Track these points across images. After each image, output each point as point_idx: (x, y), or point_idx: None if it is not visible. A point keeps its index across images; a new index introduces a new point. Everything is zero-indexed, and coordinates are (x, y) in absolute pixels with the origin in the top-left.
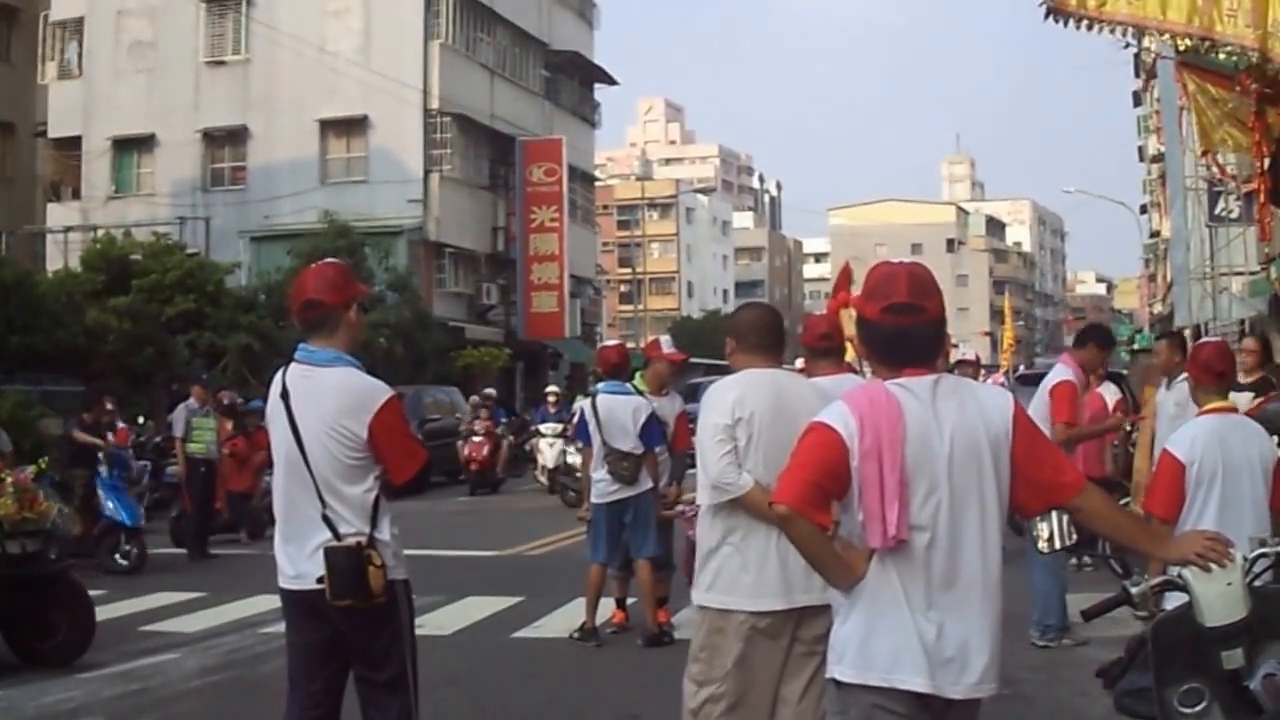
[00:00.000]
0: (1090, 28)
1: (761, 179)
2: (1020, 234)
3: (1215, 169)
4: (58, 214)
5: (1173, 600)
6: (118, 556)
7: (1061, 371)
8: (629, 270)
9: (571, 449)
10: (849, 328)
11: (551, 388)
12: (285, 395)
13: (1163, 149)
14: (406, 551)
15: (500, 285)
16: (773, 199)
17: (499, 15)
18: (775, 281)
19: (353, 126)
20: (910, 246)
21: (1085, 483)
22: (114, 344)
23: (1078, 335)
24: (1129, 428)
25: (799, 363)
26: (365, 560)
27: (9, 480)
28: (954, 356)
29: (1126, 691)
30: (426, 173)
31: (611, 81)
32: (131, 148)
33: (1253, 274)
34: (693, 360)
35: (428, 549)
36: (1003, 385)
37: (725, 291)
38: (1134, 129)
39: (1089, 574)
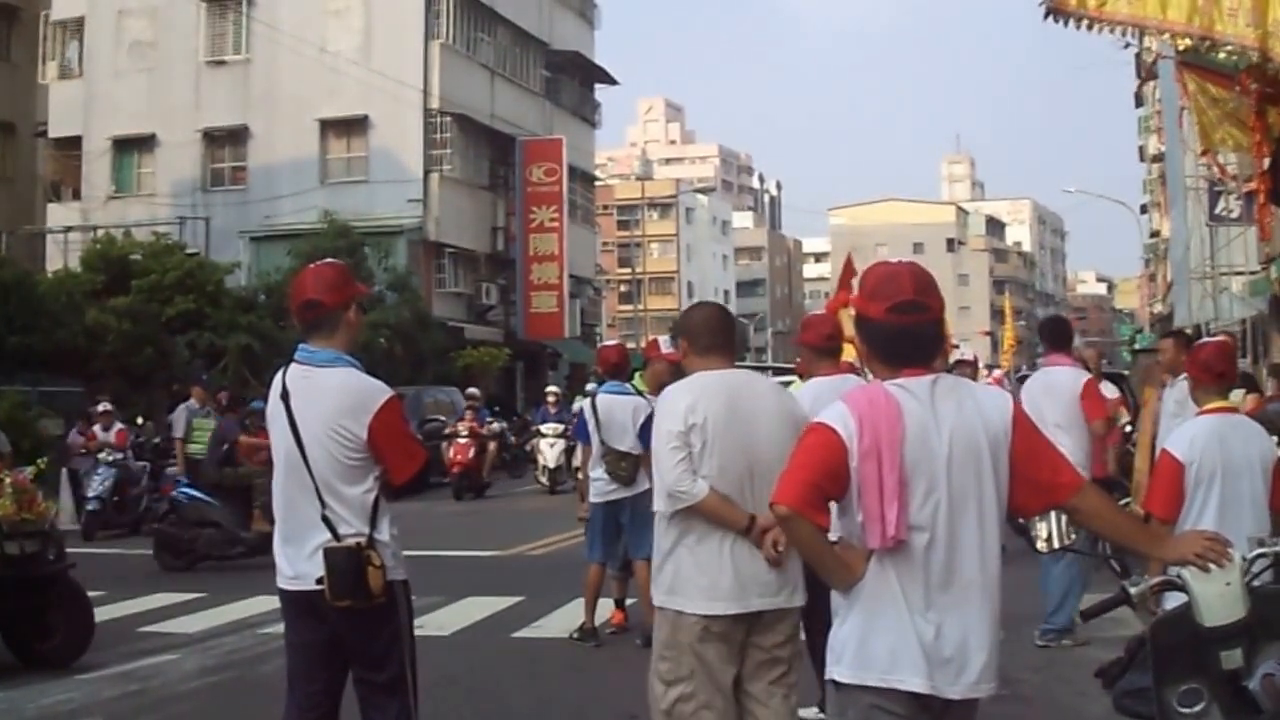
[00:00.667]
0: (1090, 27)
1: (761, 179)
2: (1020, 234)
3: (1215, 169)
4: (58, 214)
5: (1172, 600)
6: None
7: (1077, 371)
8: (629, 270)
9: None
10: (848, 328)
11: (552, 388)
12: (285, 396)
13: (1163, 149)
14: (406, 552)
15: (500, 285)
16: (773, 199)
17: (499, 15)
18: (775, 281)
19: (353, 126)
20: (911, 246)
21: (1083, 482)
22: (113, 344)
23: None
24: (1129, 427)
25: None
26: (365, 561)
27: (8, 481)
28: (953, 357)
29: (1126, 692)
30: (426, 173)
31: (612, 81)
32: (132, 148)
33: (1253, 274)
34: None
35: (427, 549)
36: (1002, 385)
37: (726, 292)
38: (1134, 129)
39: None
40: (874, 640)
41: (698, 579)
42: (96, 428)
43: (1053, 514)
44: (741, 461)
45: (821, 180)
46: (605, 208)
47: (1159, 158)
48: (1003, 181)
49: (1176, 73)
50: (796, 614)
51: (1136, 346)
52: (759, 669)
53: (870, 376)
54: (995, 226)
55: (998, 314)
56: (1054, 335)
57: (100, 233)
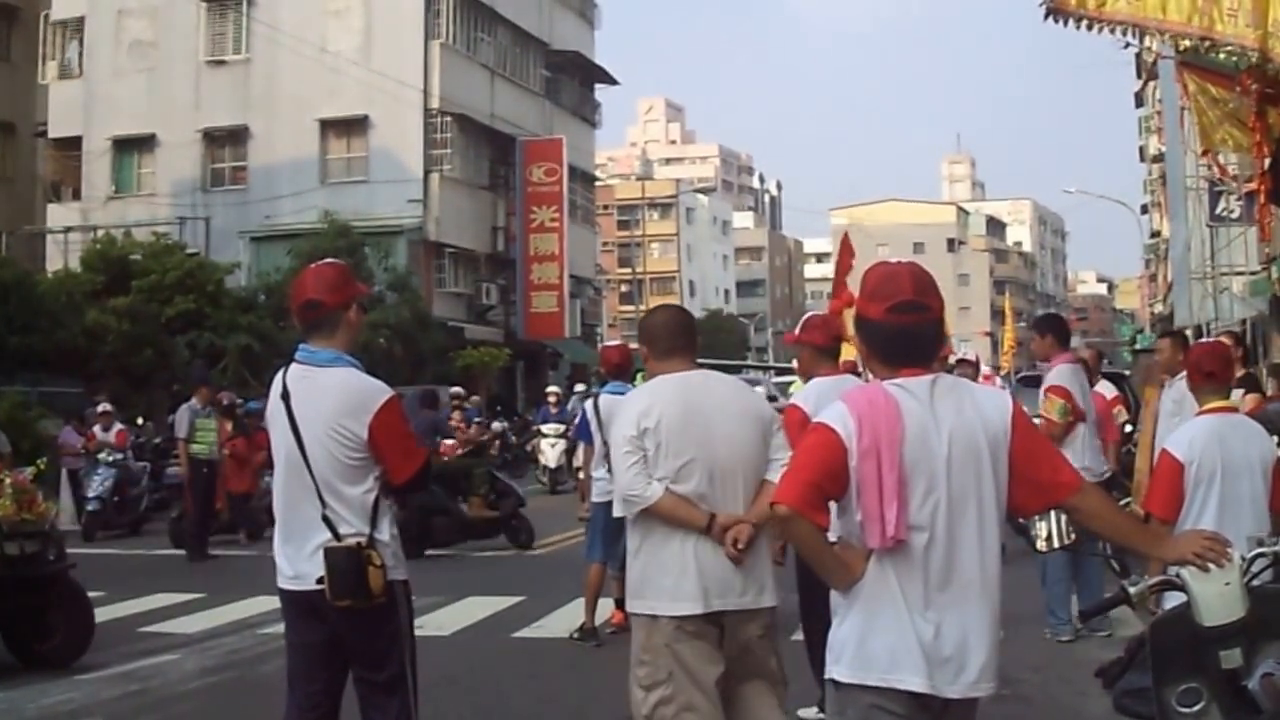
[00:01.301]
0: (1090, 27)
1: (762, 179)
2: (1021, 234)
3: (1216, 169)
4: (58, 214)
5: (1172, 600)
6: None
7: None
8: (629, 270)
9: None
10: (849, 328)
11: (552, 388)
12: (286, 395)
13: (1163, 149)
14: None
15: (500, 285)
16: (773, 199)
17: (499, 15)
18: (776, 281)
19: (353, 126)
20: (911, 246)
21: (1083, 482)
22: (113, 344)
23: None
24: (1129, 427)
25: (794, 362)
26: (365, 560)
27: (8, 481)
28: (954, 356)
29: (1126, 691)
30: (426, 173)
31: (612, 81)
32: (132, 148)
33: (1253, 274)
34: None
35: (428, 549)
36: (991, 384)
37: (726, 291)
38: (1135, 129)
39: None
40: (873, 640)
41: (662, 580)
42: (96, 428)
43: (1052, 513)
44: (701, 462)
45: (822, 180)
46: (605, 208)
47: (1159, 158)
48: (1003, 182)
49: (1177, 73)
50: (766, 614)
51: (1137, 347)
52: (734, 671)
53: (870, 376)
54: (996, 227)
55: (998, 314)
56: (1061, 331)
57: (100, 233)
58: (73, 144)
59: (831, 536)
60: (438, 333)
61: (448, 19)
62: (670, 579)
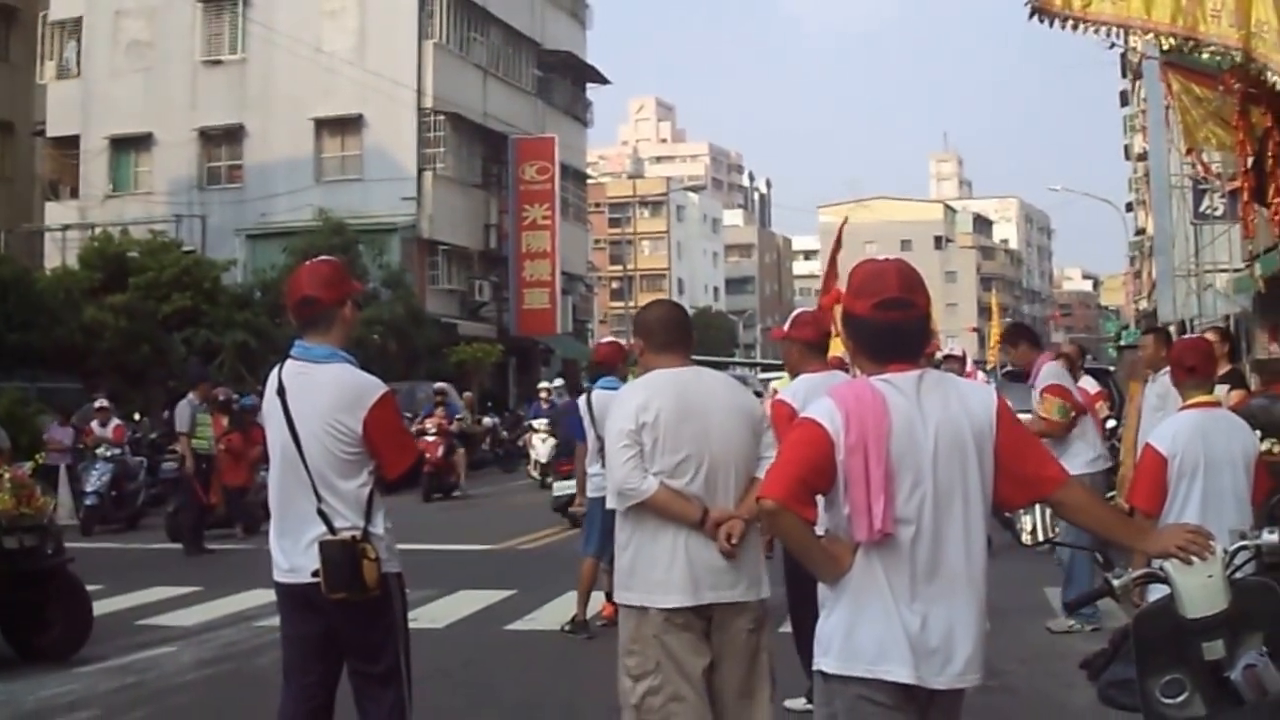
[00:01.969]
0: (1075, 28)
1: (751, 177)
2: (1007, 231)
3: (1200, 167)
4: (56, 212)
5: (1156, 593)
6: None
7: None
8: (620, 267)
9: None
10: (839, 324)
11: (544, 384)
12: (281, 391)
13: (1148, 147)
14: (400, 546)
15: (493, 282)
16: (762, 197)
17: (492, 15)
18: (765, 278)
19: (347, 125)
20: (899, 244)
21: (1067, 476)
22: (111, 341)
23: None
24: (1113, 422)
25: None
26: (360, 554)
27: (7, 476)
28: (941, 352)
29: (1110, 683)
30: (420, 171)
31: (603, 81)
32: (129, 147)
33: (1237, 271)
34: None
35: (421, 543)
36: (985, 381)
37: (716, 289)
38: (1120, 128)
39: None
40: (861, 632)
41: (652, 573)
42: (94, 423)
43: (1037, 507)
44: (695, 456)
45: (811, 179)
46: (597, 205)
47: (1144, 156)
48: (990, 180)
49: (1161, 73)
50: (756, 607)
51: (1122, 343)
52: (723, 664)
53: (857, 372)
54: (982, 224)
55: (985, 311)
56: (1030, 337)
57: (98, 231)
58: (70, 143)
59: (819, 530)
60: (431, 329)
61: (441, 19)
62: (660, 572)
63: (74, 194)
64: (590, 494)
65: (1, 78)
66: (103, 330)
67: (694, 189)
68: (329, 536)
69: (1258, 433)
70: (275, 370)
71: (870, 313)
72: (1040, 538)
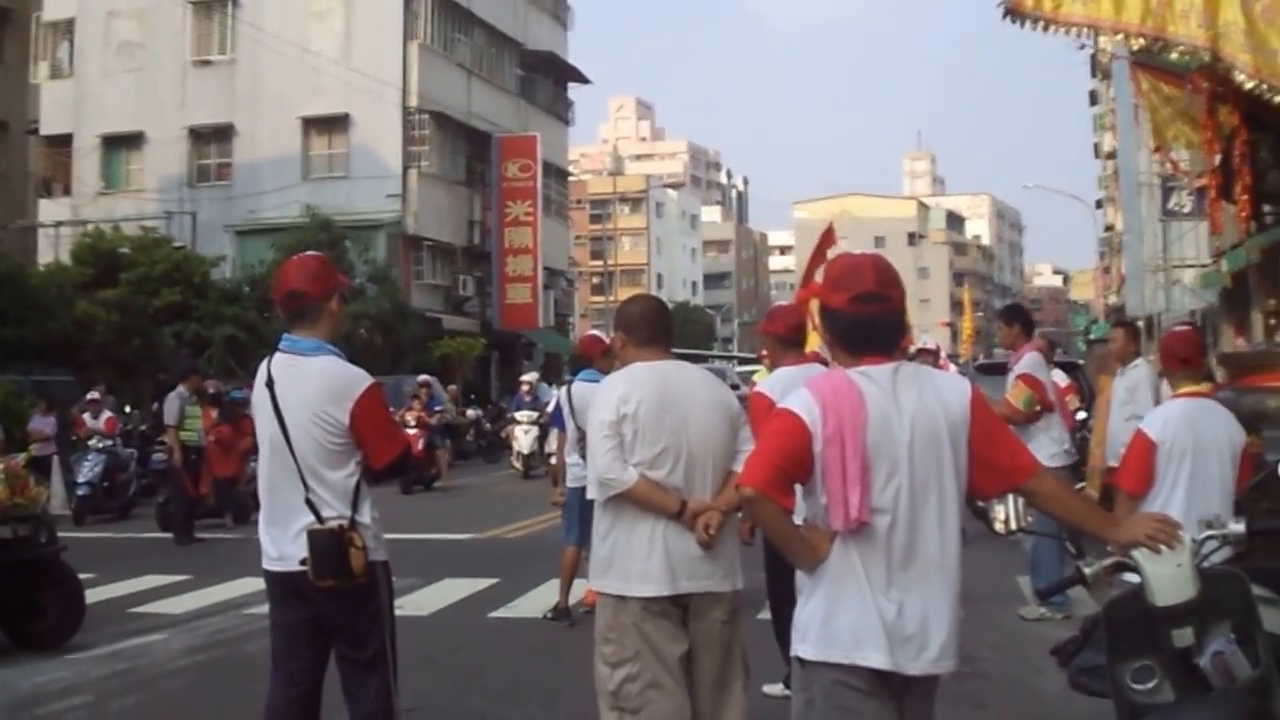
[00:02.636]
0: (1047, 28)
1: (729, 174)
2: (979, 228)
3: (1168, 165)
4: (49, 209)
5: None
6: None
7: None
8: (601, 262)
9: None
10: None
11: (526, 376)
12: (270, 383)
13: (1117, 146)
14: (386, 535)
15: (476, 277)
16: (740, 194)
17: (476, 16)
18: (742, 273)
19: (334, 124)
20: (873, 240)
21: (1040, 467)
22: (103, 335)
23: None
24: (1083, 414)
25: (763, 350)
26: (347, 542)
27: (1, 467)
28: (915, 346)
29: (1081, 669)
30: (405, 169)
31: (584, 80)
32: (120, 145)
33: (1204, 267)
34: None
35: (406, 533)
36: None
37: (694, 283)
38: (1090, 127)
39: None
40: (838, 618)
41: (630, 562)
42: (86, 415)
43: (1010, 497)
44: (674, 448)
45: (787, 176)
46: (578, 202)
47: (1113, 154)
48: (962, 177)
49: (1130, 72)
50: (731, 598)
51: (1092, 337)
52: (699, 654)
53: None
54: (955, 221)
55: (957, 305)
56: (1027, 321)
57: (90, 227)
58: (63, 141)
59: (798, 518)
60: (416, 323)
61: (426, 20)
62: (638, 561)
63: (67, 191)
64: (570, 484)
65: None
66: (95, 324)
67: (673, 186)
68: (317, 525)
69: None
70: (264, 363)
71: (846, 306)
72: (1013, 526)
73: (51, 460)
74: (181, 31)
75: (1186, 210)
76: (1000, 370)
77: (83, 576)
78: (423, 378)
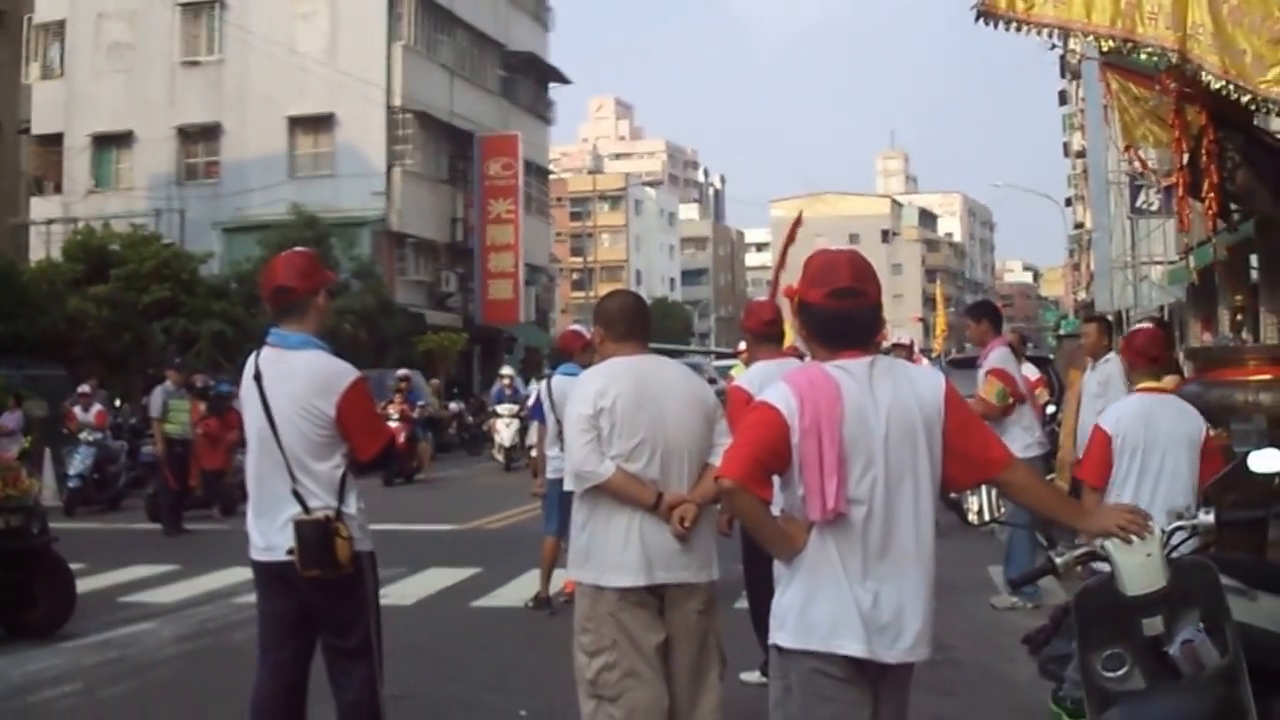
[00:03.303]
0: (1019, 30)
1: (706, 173)
2: (951, 225)
3: (1137, 164)
4: (40, 207)
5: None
6: None
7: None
8: (581, 259)
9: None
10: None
11: (507, 370)
12: (258, 377)
13: (1086, 145)
14: (370, 525)
15: (459, 273)
16: (717, 192)
17: (458, 18)
18: (719, 270)
19: (320, 123)
20: (848, 237)
21: (1012, 458)
22: (93, 330)
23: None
24: (1053, 407)
25: (741, 345)
26: (333, 532)
27: None
28: (889, 341)
29: (1051, 657)
30: (389, 167)
31: (565, 81)
32: (110, 144)
33: (1172, 263)
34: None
35: (391, 523)
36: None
37: (672, 280)
38: (1060, 126)
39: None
40: (815, 608)
41: (607, 553)
42: (76, 408)
43: (983, 488)
44: (651, 441)
45: (763, 174)
46: (559, 200)
47: (1082, 153)
48: (935, 176)
49: (1100, 73)
50: (706, 589)
51: (1061, 332)
52: (675, 644)
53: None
54: (927, 218)
55: (930, 301)
56: (996, 316)
57: (81, 224)
58: (54, 140)
59: (775, 509)
60: (400, 318)
61: (409, 21)
62: (615, 552)
63: (58, 189)
64: (550, 475)
65: None
66: (85, 320)
67: (651, 184)
68: (303, 516)
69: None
70: (252, 356)
71: (823, 301)
72: (987, 518)
73: (43, 452)
74: (170, 33)
75: (1154, 208)
76: (973, 365)
77: (73, 566)
78: (402, 372)
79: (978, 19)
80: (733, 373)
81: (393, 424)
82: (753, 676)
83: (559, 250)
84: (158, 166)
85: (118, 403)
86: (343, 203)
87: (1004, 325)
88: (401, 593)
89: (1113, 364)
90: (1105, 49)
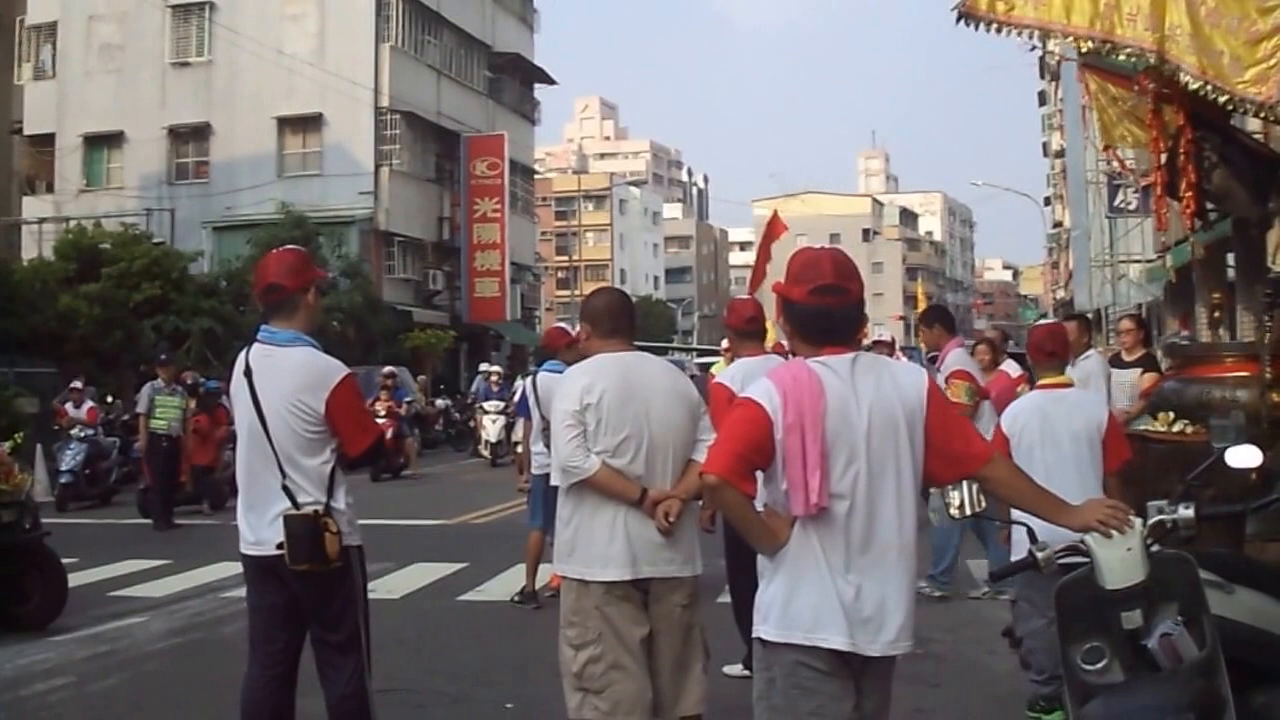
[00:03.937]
0: (999, 31)
1: (690, 172)
2: (932, 224)
3: (1115, 163)
4: (32, 206)
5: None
6: None
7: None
8: (566, 258)
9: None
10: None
11: (495, 367)
12: (249, 373)
13: (1065, 145)
14: (359, 521)
15: (446, 272)
16: (700, 191)
17: (445, 19)
18: (702, 268)
19: (308, 123)
20: (829, 236)
21: (993, 454)
22: (85, 328)
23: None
24: None
25: (724, 343)
26: (322, 527)
27: None
28: (870, 338)
29: (1020, 637)
30: (377, 167)
31: (550, 81)
32: (101, 144)
33: (1149, 262)
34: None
35: (378, 518)
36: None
37: (656, 278)
38: (1039, 126)
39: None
40: (798, 601)
41: (592, 547)
42: (68, 405)
43: (965, 483)
44: (635, 437)
45: (746, 174)
46: (544, 199)
47: (1061, 153)
48: (915, 175)
49: (1079, 73)
50: (690, 583)
51: None
52: (659, 637)
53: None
54: (908, 217)
55: (911, 299)
56: (947, 320)
57: (72, 223)
58: (46, 140)
59: (759, 504)
60: (387, 316)
61: (397, 23)
62: (600, 546)
63: (50, 189)
64: (535, 471)
65: None
66: (77, 317)
67: (636, 184)
68: (293, 511)
69: (1172, 413)
70: (243, 353)
71: (806, 298)
72: (968, 511)
73: (35, 447)
74: (160, 34)
75: (1132, 207)
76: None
77: (65, 561)
78: (388, 369)
79: (959, 20)
80: (714, 370)
81: (379, 420)
82: (736, 670)
83: (544, 249)
84: (148, 166)
85: (109, 399)
86: (331, 202)
87: (984, 323)
88: (389, 587)
89: (1093, 360)
90: (1084, 50)
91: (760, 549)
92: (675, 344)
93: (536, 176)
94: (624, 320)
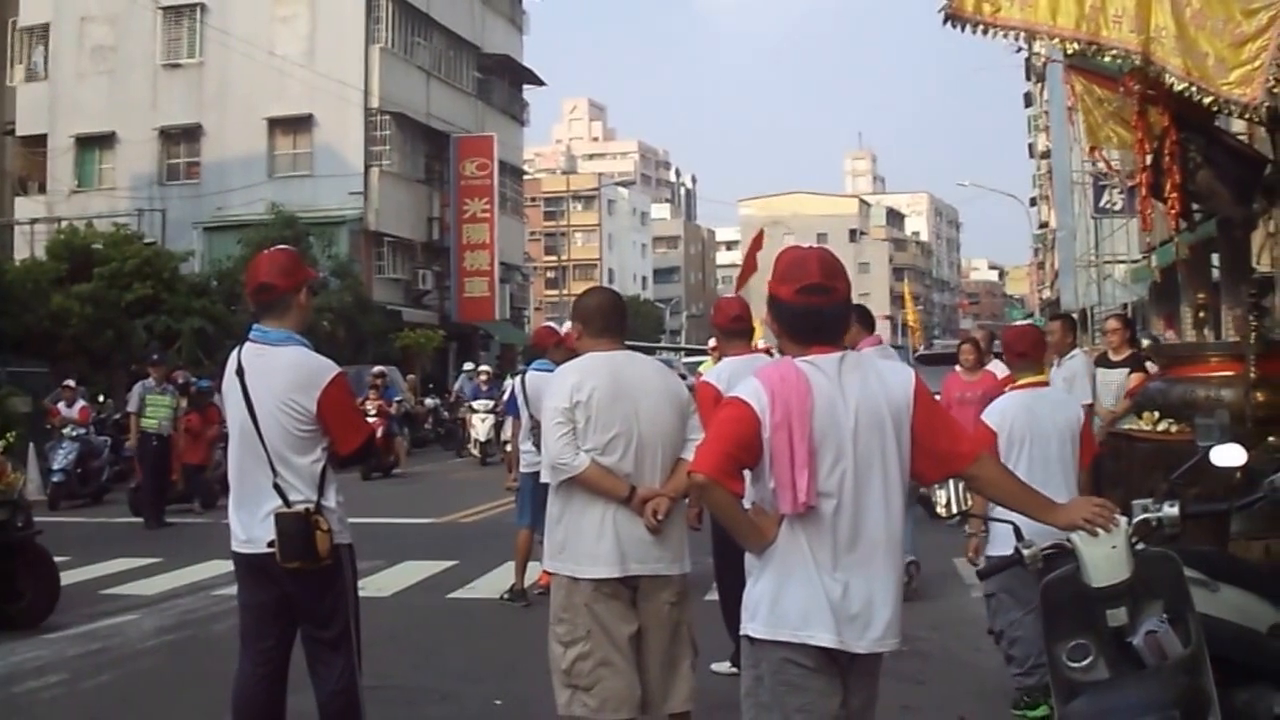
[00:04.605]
0: (985, 32)
1: (678, 173)
2: (918, 224)
3: (1101, 164)
4: (24, 207)
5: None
6: None
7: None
8: (555, 258)
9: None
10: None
11: (484, 366)
12: (240, 372)
13: (1051, 146)
14: (349, 519)
15: (435, 272)
16: (688, 191)
17: (435, 21)
18: (690, 268)
19: (299, 124)
20: (816, 236)
21: (980, 452)
22: (76, 327)
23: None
24: None
25: (711, 342)
26: (313, 525)
27: None
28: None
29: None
30: (367, 167)
31: (539, 83)
32: (93, 145)
33: (1134, 262)
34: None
35: (369, 517)
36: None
37: (644, 278)
38: (1025, 127)
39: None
40: (786, 598)
41: (582, 545)
42: (60, 404)
43: (951, 482)
44: (625, 435)
45: (734, 174)
46: (533, 200)
47: (1047, 154)
48: (902, 176)
49: (1064, 75)
50: (678, 581)
51: None
52: (648, 634)
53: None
54: (895, 217)
55: (897, 299)
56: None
57: (64, 224)
58: (39, 141)
59: (747, 502)
60: (377, 316)
61: (387, 24)
62: (589, 544)
63: (42, 189)
64: (524, 469)
65: None
66: (69, 317)
67: (624, 184)
68: (284, 509)
69: (1157, 413)
70: (235, 352)
71: (793, 297)
72: (955, 510)
73: (28, 446)
74: (152, 35)
75: (1118, 208)
76: (942, 360)
77: (57, 559)
78: (378, 368)
79: (945, 21)
80: (701, 369)
81: (370, 419)
82: (723, 667)
83: (533, 249)
84: (140, 167)
85: (101, 398)
86: (321, 202)
87: (970, 323)
88: (379, 585)
89: (1078, 360)
90: (1070, 52)
91: (748, 547)
92: (663, 343)
93: (525, 177)
94: (615, 320)
